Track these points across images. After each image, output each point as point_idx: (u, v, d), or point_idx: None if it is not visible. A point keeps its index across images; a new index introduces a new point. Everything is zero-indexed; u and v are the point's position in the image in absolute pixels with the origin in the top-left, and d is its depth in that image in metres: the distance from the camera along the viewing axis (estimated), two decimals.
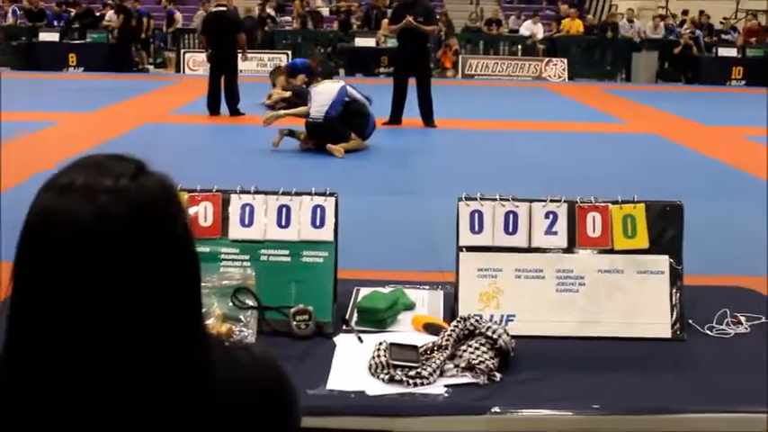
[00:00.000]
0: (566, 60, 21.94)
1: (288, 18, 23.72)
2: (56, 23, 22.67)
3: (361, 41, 21.26)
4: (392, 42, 18.10)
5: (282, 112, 10.91)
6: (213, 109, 12.70)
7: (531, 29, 22.67)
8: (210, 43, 12.69)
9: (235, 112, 12.70)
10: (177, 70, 21.66)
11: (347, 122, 9.98)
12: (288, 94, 13.55)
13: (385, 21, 17.96)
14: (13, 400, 1.10)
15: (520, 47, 22.86)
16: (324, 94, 10.04)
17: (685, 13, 24.34)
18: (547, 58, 22.10)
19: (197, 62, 21.33)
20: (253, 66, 21.02)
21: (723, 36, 23.46)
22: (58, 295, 1.06)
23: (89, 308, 1.06)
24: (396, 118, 12.10)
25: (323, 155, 9.68)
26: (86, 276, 1.05)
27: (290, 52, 21.10)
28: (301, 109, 10.43)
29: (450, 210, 2.67)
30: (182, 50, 21.95)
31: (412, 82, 12.13)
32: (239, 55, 12.84)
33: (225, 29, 12.54)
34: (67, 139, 10.19)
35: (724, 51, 21.93)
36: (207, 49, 12.92)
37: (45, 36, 21.62)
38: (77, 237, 1.05)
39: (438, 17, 24.08)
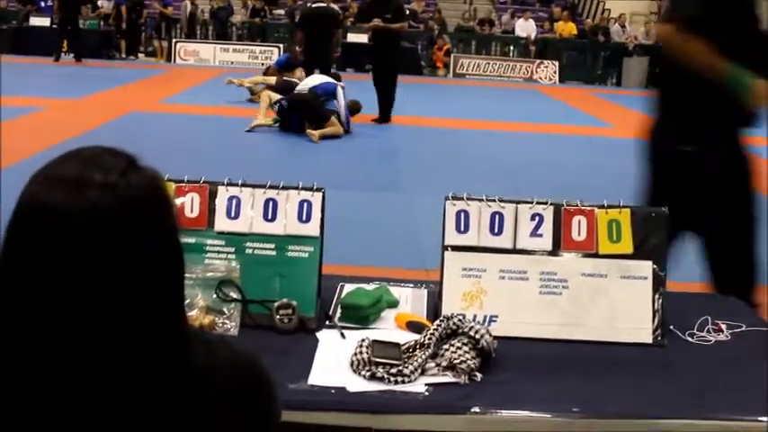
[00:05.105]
0: (557, 63, 21.99)
1: (281, 12, 23.69)
2: (42, 4, 22.28)
3: (353, 37, 21.25)
4: None
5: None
6: None
7: (525, 28, 22.68)
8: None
9: None
10: (168, 59, 21.59)
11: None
12: (271, 80, 13.46)
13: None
14: None
15: (512, 48, 22.90)
16: (316, 77, 10.26)
17: None
18: (538, 60, 22.14)
19: (188, 52, 21.27)
20: (244, 58, 21.00)
21: None
22: (43, 285, 1.06)
23: (71, 299, 1.06)
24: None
25: (304, 146, 9.70)
26: (71, 268, 1.06)
27: (281, 45, 21.07)
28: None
29: (433, 208, 2.67)
30: (173, 40, 21.87)
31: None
32: None
33: None
34: (54, 126, 10.14)
35: None
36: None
37: (36, 21, 21.45)
38: (65, 229, 1.06)
39: (431, 15, 24.14)
